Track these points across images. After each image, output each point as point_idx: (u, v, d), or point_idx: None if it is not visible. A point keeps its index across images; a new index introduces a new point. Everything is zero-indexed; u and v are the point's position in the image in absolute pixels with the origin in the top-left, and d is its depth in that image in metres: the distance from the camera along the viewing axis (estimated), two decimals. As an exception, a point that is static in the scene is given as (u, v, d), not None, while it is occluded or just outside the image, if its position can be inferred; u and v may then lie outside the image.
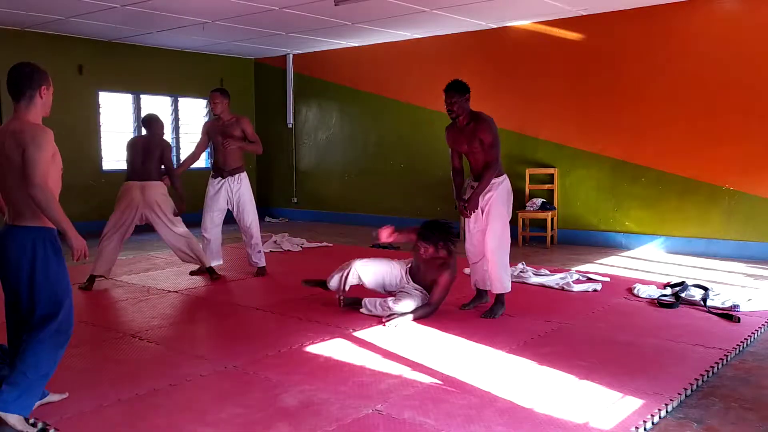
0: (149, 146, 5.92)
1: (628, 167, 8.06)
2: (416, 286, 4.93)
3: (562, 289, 5.76)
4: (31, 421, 2.98)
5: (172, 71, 10.77)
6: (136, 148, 5.96)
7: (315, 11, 7.96)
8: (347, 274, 5.00)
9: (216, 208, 6.32)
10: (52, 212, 2.86)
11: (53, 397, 3.22)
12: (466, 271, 5.51)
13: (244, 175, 6.36)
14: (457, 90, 4.71)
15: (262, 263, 6.52)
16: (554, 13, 8.14)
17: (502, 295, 4.90)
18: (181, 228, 6.05)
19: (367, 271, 5.02)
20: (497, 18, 8.45)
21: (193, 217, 7.29)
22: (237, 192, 6.27)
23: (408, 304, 4.75)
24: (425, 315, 4.77)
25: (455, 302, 5.18)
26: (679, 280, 5.80)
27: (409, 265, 5.06)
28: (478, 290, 5.17)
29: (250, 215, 6.33)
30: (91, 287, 5.85)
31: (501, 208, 4.82)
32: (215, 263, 6.41)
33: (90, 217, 9.11)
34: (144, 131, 6.20)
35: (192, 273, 6.49)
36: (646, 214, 7.99)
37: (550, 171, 8.61)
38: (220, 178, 6.29)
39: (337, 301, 5.10)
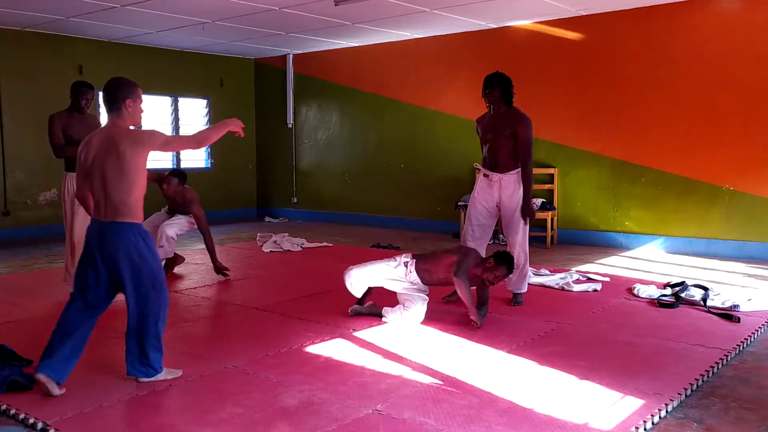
0: None
1: (628, 167, 8.06)
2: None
3: (562, 289, 5.75)
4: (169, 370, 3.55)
5: (172, 71, 10.77)
6: None
7: (315, 11, 7.97)
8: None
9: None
10: (213, 134, 3.59)
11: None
12: None
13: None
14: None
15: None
16: (554, 13, 8.15)
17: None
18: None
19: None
20: (497, 18, 8.45)
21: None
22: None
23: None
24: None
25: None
26: (679, 280, 5.80)
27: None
28: None
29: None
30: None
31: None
32: None
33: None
34: None
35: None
36: (646, 214, 7.99)
37: (550, 171, 8.61)
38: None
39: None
